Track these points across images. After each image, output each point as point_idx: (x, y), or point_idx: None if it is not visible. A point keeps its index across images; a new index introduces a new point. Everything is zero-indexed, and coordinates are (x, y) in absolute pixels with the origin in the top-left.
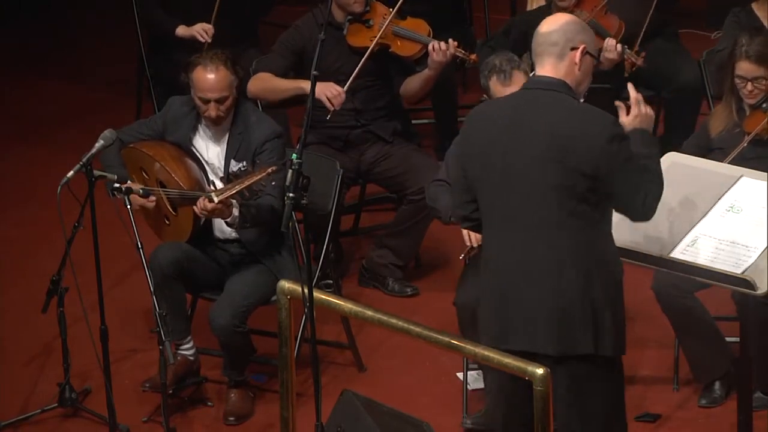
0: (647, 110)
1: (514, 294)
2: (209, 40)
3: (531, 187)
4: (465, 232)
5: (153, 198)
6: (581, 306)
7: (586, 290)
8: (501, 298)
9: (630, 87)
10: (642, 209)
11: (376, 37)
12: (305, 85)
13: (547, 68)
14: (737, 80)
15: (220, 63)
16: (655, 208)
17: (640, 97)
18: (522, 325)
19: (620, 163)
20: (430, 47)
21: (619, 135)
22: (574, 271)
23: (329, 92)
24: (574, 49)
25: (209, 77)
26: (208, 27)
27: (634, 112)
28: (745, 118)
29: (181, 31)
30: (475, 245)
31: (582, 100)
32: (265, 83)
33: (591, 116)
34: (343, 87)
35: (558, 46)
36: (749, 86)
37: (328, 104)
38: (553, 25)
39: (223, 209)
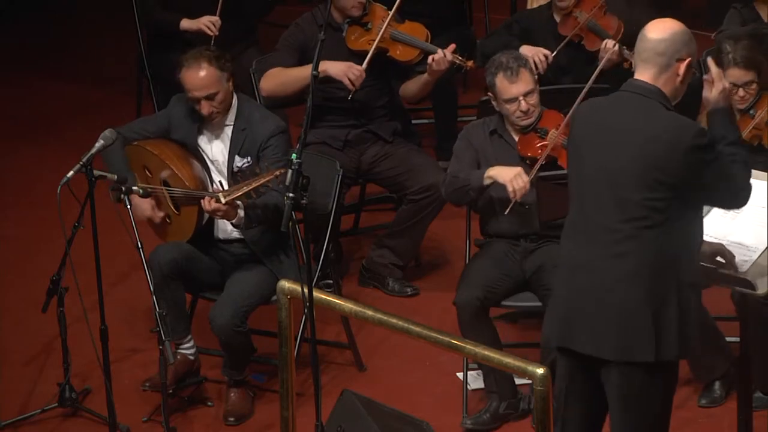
0: (726, 85)
1: (581, 295)
2: (216, 33)
3: (607, 192)
4: (510, 188)
5: (161, 214)
6: (644, 313)
7: (650, 298)
8: (569, 299)
9: (710, 61)
10: (730, 199)
11: (374, 40)
12: (325, 65)
13: (646, 75)
14: None
15: (204, 60)
16: (745, 194)
17: (720, 72)
18: (586, 328)
19: (701, 170)
20: (429, 59)
21: (701, 145)
22: (640, 279)
23: (351, 74)
24: (679, 60)
25: (194, 76)
26: (215, 19)
27: (719, 87)
28: None
29: (186, 24)
30: (519, 199)
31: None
32: (279, 77)
33: (675, 125)
34: (343, 88)
35: (665, 56)
36: (740, 92)
37: (349, 85)
38: (662, 32)
39: (229, 210)
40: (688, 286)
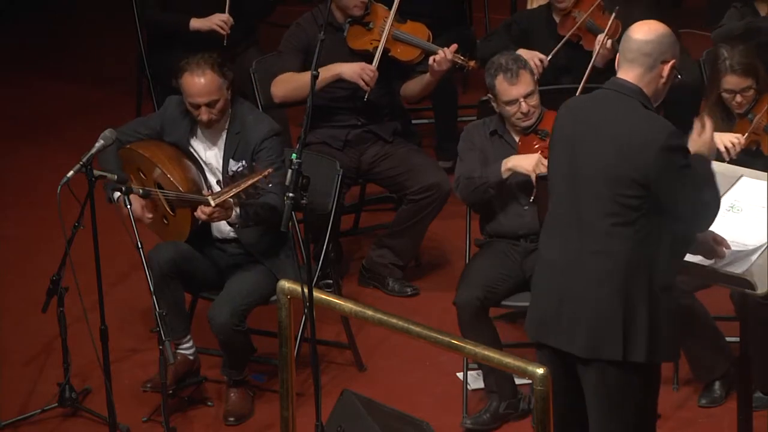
0: (710, 136)
1: (557, 292)
2: (228, 32)
3: (585, 189)
4: (534, 177)
5: (150, 215)
6: (615, 312)
7: (622, 297)
8: (546, 294)
9: (697, 122)
10: (692, 221)
11: (375, 40)
12: (339, 68)
13: (630, 74)
14: (726, 94)
15: (207, 67)
16: (706, 223)
17: (708, 126)
18: (559, 324)
19: (672, 174)
20: (431, 60)
21: (674, 146)
22: (614, 278)
23: (365, 75)
24: (664, 62)
25: (197, 82)
26: (226, 17)
27: (703, 140)
28: (733, 129)
29: (197, 23)
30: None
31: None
32: (291, 82)
33: (651, 125)
34: (346, 88)
35: (651, 57)
36: (738, 98)
37: (364, 86)
38: (648, 34)
39: (221, 212)
40: (660, 291)
